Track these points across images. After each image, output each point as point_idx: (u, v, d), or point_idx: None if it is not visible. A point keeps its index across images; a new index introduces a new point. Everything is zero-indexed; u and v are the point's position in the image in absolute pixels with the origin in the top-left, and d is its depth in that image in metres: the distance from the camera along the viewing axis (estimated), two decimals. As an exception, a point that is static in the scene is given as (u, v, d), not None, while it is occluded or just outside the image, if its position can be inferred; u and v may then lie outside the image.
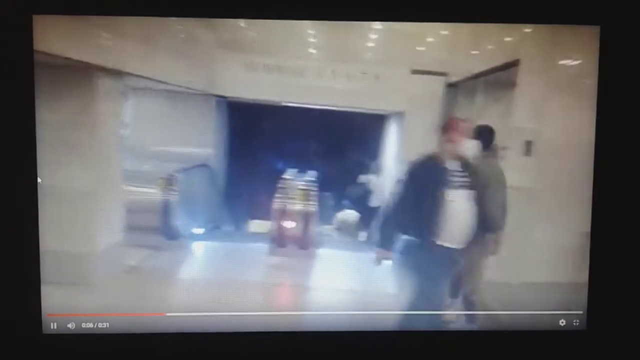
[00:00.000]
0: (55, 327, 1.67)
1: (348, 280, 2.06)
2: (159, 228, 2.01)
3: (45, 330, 1.66)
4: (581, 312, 1.73)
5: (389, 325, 1.76)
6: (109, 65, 1.72)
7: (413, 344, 1.73)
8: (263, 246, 2.26)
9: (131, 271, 1.89)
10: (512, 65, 1.78)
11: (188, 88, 1.94)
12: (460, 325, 1.78)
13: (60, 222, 1.74)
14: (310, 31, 1.76)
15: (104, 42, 1.67)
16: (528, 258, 1.79)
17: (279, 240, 2.36)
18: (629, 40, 1.65)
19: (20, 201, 1.62)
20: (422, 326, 1.74)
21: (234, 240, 2.25)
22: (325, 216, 2.46)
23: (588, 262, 1.69)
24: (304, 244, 2.45)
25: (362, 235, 2.48)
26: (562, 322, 1.75)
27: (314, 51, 1.80)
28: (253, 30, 1.76)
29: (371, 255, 2.14)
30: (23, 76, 1.58)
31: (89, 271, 1.80)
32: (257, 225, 2.36)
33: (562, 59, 1.71)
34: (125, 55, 1.72)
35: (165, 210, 2.05)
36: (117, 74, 1.79)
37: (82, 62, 1.68)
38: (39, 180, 1.63)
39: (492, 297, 1.80)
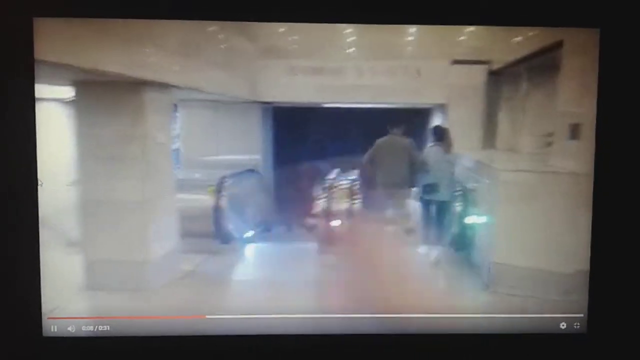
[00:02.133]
0: (55, 330, 1.66)
1: (399, 278, 2.07)
2: (212, 233, 2.08)
3: (45, 333, 1.64)
4: (582, 315, 1.70)
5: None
6: (155, 79, 1.79)
7: (414, 345, 1.72)
8: (312, 246, 2.30)
9: (187, 276, 1.95)
10: (556, 47, 1.75)
11: (233, 97, 2.00)
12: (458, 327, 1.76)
13: (116, 233, 1.82)
14: (348, 30, 1.78)
15: (150, 57, 1.73)
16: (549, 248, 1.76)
17: (327, 239, 2.38)
18: (631, 42, 1.61)
19: (22, 203, 1.60)
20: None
21: (284, 241, 2.29)
22: (371, 214, 2.47)
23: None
24: (352, 242, 2.47)
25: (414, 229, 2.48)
26: (563, 325, 1.71)
27: (352, 50, 1.81)
28: (292, 35, 1.79)
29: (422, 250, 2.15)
30: (24, 78, 1.57)
31: (145, 278, 1.86)
32: (304, 226, 2.40)
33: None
34: (170, 68, 1.78)
35: (218, 215, 2.12)
36: (164, 87, 1.86)
37: (127, 76, 1.74)
38: (39, 182, 1.62)
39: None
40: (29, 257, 1.61)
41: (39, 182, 1.61)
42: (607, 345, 1.70)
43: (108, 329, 1.68)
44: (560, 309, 1.71)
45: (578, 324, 1.70)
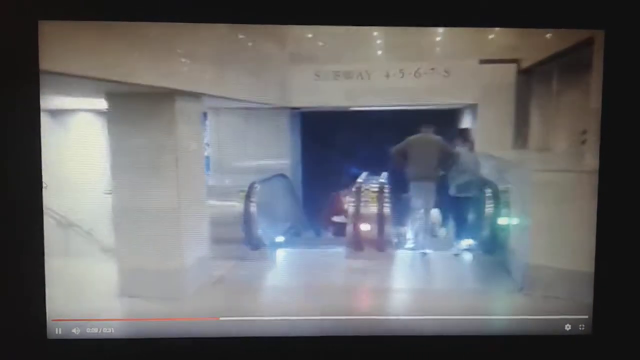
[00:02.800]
0: (59, 332, 1.66)
1: (427, 280, 2.06)
2: (243, 239, 2.10)
3: (49, 336, 1.64)
4: (587, 316, 1.67)
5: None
6: (185, 88, 1.82)
7: (417, 346, 1.71)
8: (341, 250, 2.30)
9: (219, 282, 1.97)
10: (587, 44, 1.72)
11: (261, 103, 2.02)
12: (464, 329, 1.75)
13: (149, 241, 1.84)
14: (375, 33, 1.78)
15: (180, 67, 1.76)
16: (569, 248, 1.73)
17: (356, 243, 2.38)
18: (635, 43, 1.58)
19: (26, 208, 1.60)
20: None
21: (313, 246, 2.30)
22: (400, 217, 2.47)
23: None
24: (381, 245, 2.47)
25: (442, 233, 2.47)
26: (568, 327, 1.69)
27: (380, 53, 1.82)
28: (319, 40, 1.80)
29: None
30: (28, 80, 1.55)
31: (178, 284, 1.88)
32: (334, 230, 2.40)
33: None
34: (200, 77, 1.80)
35: (248, 221, 2.14)
36: (194, 96, 1.89)
37: (159, 87, 1.77)
38: (44, 185, 1.61)
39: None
40: (33, 259, 1.61)
41: (44, 185, 1.61)
42: (611, 347, 1.67)
43: (112, 331, 1.69)
44: (565, 310, 1.69)
45: (583, 325, 1.68)
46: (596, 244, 1.64)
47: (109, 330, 1.68)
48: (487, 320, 1.73)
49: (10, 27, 1.53)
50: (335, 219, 2.39)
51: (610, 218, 1.64)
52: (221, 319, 1.70)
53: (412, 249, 2.40)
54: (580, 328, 1.69)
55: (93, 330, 1.67)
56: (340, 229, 2.39)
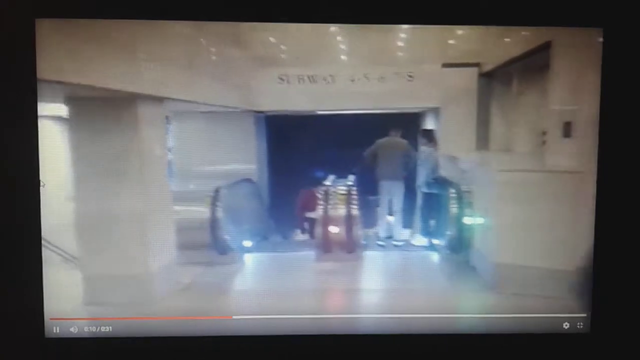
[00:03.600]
0: (57, 331, 1.66)
1: (395, 281, 2.08)
2: (209, 244, 2.08)
3: (47, 334, 1.64)
4: (585, 315, 1.71)
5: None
6: (149, 92, 1.78)
7: (418, 346, 1.72)
8: (310, 253, 2.30)
9: (186, 288, 1.94)
10: (545, 47, 1.76)
11: (226, 107, 2.00)
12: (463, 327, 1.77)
13: (113, 247, 1.81)
14: (340, 38, 1.79)
15: (143, 71, 1.73)
16: (542, 247, 1.77)
17: (324, 246, 2.39)
18: (633, 41, 1.63)
19: (23, 205, 1.61)
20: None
21: (281, 250, 2.29)
22: (368, 219, 2.48)
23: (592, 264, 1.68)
24: (349, 247, 2.47)
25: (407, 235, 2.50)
26: (566, 325, 1.72)
27: (344, 57, 1.82)
28: (283, 44, 1.79)
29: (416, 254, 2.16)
30: (25, 79, 1.56)
31: (144, 292, 1.84)
32: (302, 234, 2.40)
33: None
34: (164, 81, 1.77)
35: (214, 226, 2.11)
36: (157, 100, 1.85)
37: (122, 91, 1.74)
38: (41, 184, 1.62)
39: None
40: (31, 258, 1.61)
41: (42, 184, 1.61)
42: (610, 345, 1.70)
43: (110, 330, 1.68)
44: (564, 309, 1.71)
45: (581, 323, 1.70)
46: (594, 243, 1.67)
47: (107, 329, 1.67)
48: (487, 319, 1.75)
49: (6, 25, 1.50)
50: (309, 214, 2.39)
51: (609, 216, 1.66)
52: (234, 317, 1.73)
53: (382, 245, 2.48)
54: (578, 326, 1.71)
55: (91, 329, 1.67)
56: (313, 225, 2.40)
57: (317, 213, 2.38)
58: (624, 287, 1.68)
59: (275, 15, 1.62)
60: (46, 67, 1.57)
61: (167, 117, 1.96)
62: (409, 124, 2.15)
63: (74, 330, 1.67)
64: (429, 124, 2.19)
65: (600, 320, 1.69)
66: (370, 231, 2.54)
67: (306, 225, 2.37)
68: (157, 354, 1.69)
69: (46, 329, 1.64)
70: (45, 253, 1.63)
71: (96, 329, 1.68)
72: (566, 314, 1.71)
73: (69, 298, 1.70)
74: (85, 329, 1.67)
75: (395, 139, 2.38)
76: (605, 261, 1.67)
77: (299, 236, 2.38)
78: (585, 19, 1.63)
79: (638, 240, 1.67)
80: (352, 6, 1.60)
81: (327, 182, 2.33)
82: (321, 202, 2.37)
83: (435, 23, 1.66)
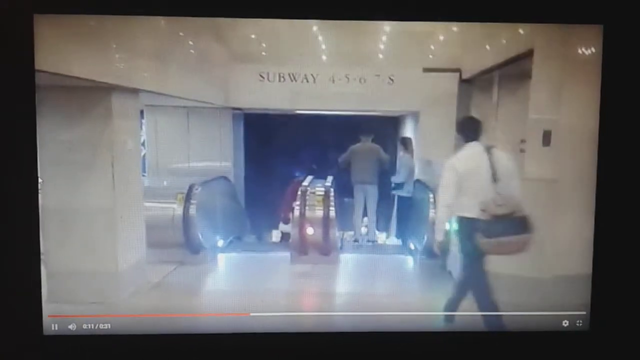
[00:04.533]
0: (56, 328, 1.63)
1: (371, 283, 2.06)
2: (182, 242, 2.03)
3: (46, 332, 1.62)
4: (584, 312, 1.73)
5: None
6: (124, 83, 1.74)
7: (419, 344, 1.73)
8: (285, 255, 2.26)
9: (156, 287, 1.90)
10: (526, 55, 1.77)
11: (203, 102, 1.96)
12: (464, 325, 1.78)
13: (81, 243, 1.76)
14: (321, 37, 1.76)
15: (118, 62, 1.68)
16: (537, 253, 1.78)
17: (300, 247, 2.36)
18: (633, 38, 1.65)
19: (21, 204, 1.57)
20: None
21: (256, 251, 2.26)
22: (344, 221, 2.47)
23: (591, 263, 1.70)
24: (325, 249, 2.45)
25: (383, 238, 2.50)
26: (566, 323, 1.74)
27: (325, 57, 1.80)
28: (264, 41, 1.77)
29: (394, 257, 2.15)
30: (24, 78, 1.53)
31: (112, 290, 1.81)
32: (277, 234, 2.37)
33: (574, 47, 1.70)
34: (140, 73, 1.73)
35: (187, 224, 2.06)
36: (132, 92, 1.81)
37: (93, 81, 1.69)
38: (39, 180, 1.59)
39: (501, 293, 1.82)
40: (29, 255, 1.56)
41: (39, 181, 1.57)
42: (609, 343, 1.71)
43: (109, 327, 1.65)
44: (563, 307, 1.72)
45: (580, 321, 1.72)
46: (594, 243, 1.67)
47: (106, 326, 1.64)
48: (486, 316, 1.74)
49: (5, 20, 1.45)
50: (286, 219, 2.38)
51: (608, 217, 1.67)
52: (252, 314, 1.68)
53: (357, 243, 2.50)
54: (577, 324, 1.72)
55: (89, 326, 1.64)
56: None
57: (293, 216, 2.37)
58: (623, 285, 1.69)
59: (256, 11, 1.59)
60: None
61: (141, 111, 1.91)
62: (387, 127, 2.14)
63: (72, 327, 1.64)
64: (408, 130, 2.19)
65: (599, 318, 1.71)
66: (347, 233, 2.53)
67: (291, 215, 2.35)
68: (156, 351, 1.67)
69: (44, 326, 1.62)
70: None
71: (95, 326, 1.65)
72: (565, 311, 1.72)
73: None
74: (84, 326, 1.64)
75: (367, 144, 2.42)
76: (603, 260, 1.68)
77: (274, 237, 2.36)
78: (586, 16, 1.64)
79: (636, 239, 1.69)
80: (336, 2, 1.59)
81: (305, 183, 2.31)
82: (297, 203, 2.35)
83: (434, 20, 1.65)
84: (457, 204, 1.71)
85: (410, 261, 2.27)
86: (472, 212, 1.62)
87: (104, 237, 1.81)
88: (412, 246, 2.35)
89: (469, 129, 1.72)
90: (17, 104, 1.54)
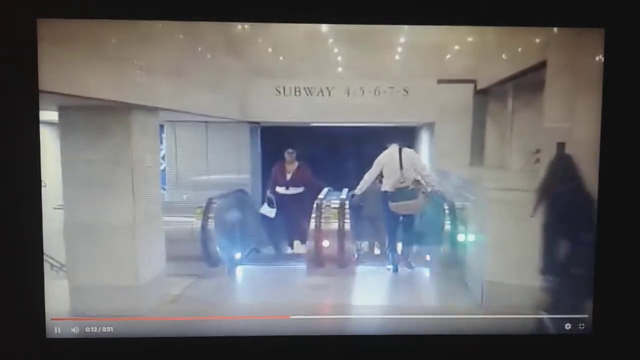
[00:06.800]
0: (59, 331, 1.64)
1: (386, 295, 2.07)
2: (200, 256, 2.05)
3: (49, 335, 1.62)
4: (587, 316, 1.71)
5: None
6: (143, 102, 1.77)
7: (420, 347, 1.72)
8: (302, 267, 2.27)
9: (175, 300, 1.91)
10: (540, 67, 1.78)
11: (221, 117, 1.99)
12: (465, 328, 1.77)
13: (102, 257, 1.79)
14: (336, 50, 1.79)
15: (137, 80, 1.72)
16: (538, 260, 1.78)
17: (317, 260, 2.36)
18: (635, 41, 1.64)
19: (25, 207, 1.58)
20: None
21: (273, 263, 2.27)
22: (361, 233, 2.47)
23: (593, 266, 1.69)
24: (342, 262, 2.45)
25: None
26: (568, 326, 1.73)
27: (340, 70, 1.83)
28: (280, 55, 1.79)
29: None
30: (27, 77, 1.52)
31: (132, 303, 1.82)
32: (295, 247, 2.38)
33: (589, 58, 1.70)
34: (158, 91, 1.77)
35: (205, 237, 2.09)
36: (151, 110, 1.84)
37: (114, 101, 1.73)
38: (43, 184, 1.59)
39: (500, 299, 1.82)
40: (32, 258, 1.58)
41: (43, 184, 1.58)
42: (611, 346, 1.69)
43: (111, 330, 1.66)
44: (565, 310, 1.71)
45: (583, 324, 1.70)
46: (596, 245, 1.67)
47: (109, 329, 1.65)
48: (487, 319, 1.74)
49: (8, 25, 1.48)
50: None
51: (610, 219, 1.66)
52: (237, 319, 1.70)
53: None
54: (580, 327, 1.70)
55: (92, 330, 1.65)
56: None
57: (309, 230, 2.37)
58: (625, 288, 1.68)
59: (270, 16, 1.61)
60: (43, 79, 1.56)
61: (161, 126, 1.95)
62: (404, 138, 2.15)
63: (75, 330, 1.65)
64: (424, 139, 2.20)
65: (601, 321, 1.69)
66: (363, 245, 2.53)
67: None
68: (158, 355, 1.68)
69: (47, 329, 1.62)
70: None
71: (97, 330, 1.66)
72: (568, 315, 1.71)
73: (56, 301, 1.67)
74: (87, 329, 1.65)
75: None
76: (606, 263, 1.67)
77: (291, 249, 2.37)
78: (587, 20, 1.64)
79: (638, 242, 1.68)
80: (348, 6, 1.60)
81: (320, 196, 2.32)
82: (314, 216, 2.36)
83: (432, 23, 1.66)
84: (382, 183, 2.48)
85: (425, 273, 2.27)
86: (387, 187, 2.38)
87: (124, 252, 1.84)
88: (427, 258, 2.34)
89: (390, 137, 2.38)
90: (20, 113, 1.55)
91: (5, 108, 1.57)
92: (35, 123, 1.57)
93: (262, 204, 2.27)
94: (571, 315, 1.72)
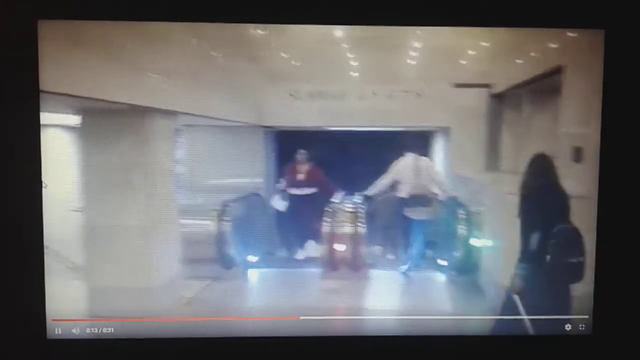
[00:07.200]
0: (59, 332, 1.66)
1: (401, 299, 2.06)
2: (215, 258, 2.08)
3: (49, 336, 1.65)
4: (587, 316, 1.70)
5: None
6: (159, 105, 1.80)
7: (419, 347, 1.72)
8: (316, 271, 2.28)
9: (190, 303, 1.93)
10: (556, 71, 1.76)
11: (236, 121, 2.01)
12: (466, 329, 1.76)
13: (119, 260, 1.82)
14: (350, 55, 1.80)
15: (154, 84, 1.75)
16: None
17: (330, 263, 2.37)
18: (634, 43, 1.63)
19: (26, 208, 1.62)
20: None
21: (287, 266, 2.28)
22: (375, 237, 2.46)
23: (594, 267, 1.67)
24: (356, 265, 2.45)
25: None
26: (568, 327, 1.72)
27: (354, 74, 1.83)
28: (294, 59, 1.81)
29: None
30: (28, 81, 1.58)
31: (148, 305, 1.83)
32: (309, 250, 2.38)
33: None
34: (174, 94, 1.79)
35: (221, 240, 2.11)
36: (168, 113, 1.87)
37: (132, 104, 1.76)
38: (44, 185, 1.64)
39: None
40: (33, 258, 1.62)
41: (44, 185, 1.62)
42: (612, 347, 1.70)
43: (112, 331, 1.68)
44: (566, 310, 1.71)
45: (583, 325, 1.70)
46: (596, 246, 1.67)
47: (109, 330, 1.67)
48: (487, 320, 1.75)
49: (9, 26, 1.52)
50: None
51: (610, 219, 1.66)
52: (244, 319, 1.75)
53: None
54: (580, 328, 1.70)
55: (93, 330, 1.67)
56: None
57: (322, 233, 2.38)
58: (626, 288, 1.68)
59: (281, 17, 1.63)
60: (51, 80, 1.59)
61: (176, 130, 1.97)
62: (419, 143, 2.15)
63: (75, 331, 1.67)
64: (439, 144, 2.19)
65: (602, 322, 1.69)
66: (377, 249, 2.52)
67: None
68: (159, 356, 1.70)
69: (48, 330, 1.65)
70: (50, 261, 1.64)
71: (98, 330, 1.68)
72: (568, 315, 1.71)
73: (72, 302, 1.71)
74: (87, 330, 1.68)
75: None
76: (606, 263, 1.67)
77: (305, 252, 2.37)
78: (587, 21, 1.63)
79: (638, 242, 1.67)
80: (358, 7, 1.61)
81: (335, 200, 2.33)
82: (328, 220, 2.36)
83: (435, 24, 1.67)
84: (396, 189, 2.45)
85: (440, 277, 2.25)
86: (402, 194, 2.40)
87: (141, 254, 1.86)
88: (441, 262, 2.33)
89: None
90: (22, 112, 1.59)
91: (5, 108, 1.60)
92: (36, 123, 1.61)
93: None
94: (571, 316, 1.72)
